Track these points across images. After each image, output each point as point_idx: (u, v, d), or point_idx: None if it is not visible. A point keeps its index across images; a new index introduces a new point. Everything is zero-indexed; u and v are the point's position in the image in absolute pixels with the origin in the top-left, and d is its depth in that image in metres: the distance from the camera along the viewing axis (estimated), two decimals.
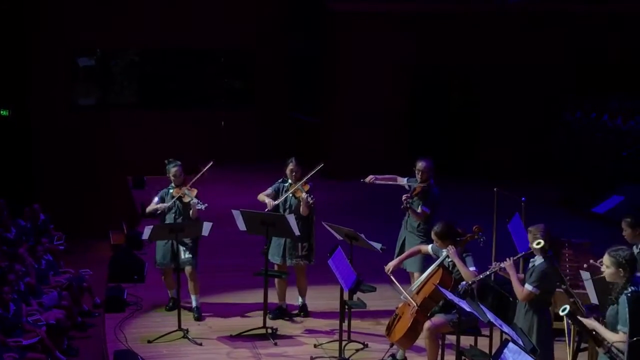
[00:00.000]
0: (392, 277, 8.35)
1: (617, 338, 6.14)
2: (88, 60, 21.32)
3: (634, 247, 7.91)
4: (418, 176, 9.49)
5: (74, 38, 20.03)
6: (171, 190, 9.90)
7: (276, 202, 9.69)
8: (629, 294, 6.17)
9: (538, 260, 7.36)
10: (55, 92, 20.17)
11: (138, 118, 20.38)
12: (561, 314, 6.13)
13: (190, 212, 9.72)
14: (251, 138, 20.80)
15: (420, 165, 9.50)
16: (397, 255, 9.08)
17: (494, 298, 7.99)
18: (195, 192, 9.81)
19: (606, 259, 6.37)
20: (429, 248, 8.36)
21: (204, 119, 20.65)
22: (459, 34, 18.59)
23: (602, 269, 6.46)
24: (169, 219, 9.86)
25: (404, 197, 9.42)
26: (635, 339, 5.93)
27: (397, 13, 18.57)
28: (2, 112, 20.45)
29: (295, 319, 9.98)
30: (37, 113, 20.11)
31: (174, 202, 9.82)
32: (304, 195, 9.57)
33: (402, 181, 9.71)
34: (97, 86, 21.49)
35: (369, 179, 9.79)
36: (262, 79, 21.08)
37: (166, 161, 10.06)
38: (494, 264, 7.59)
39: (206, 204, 9.61)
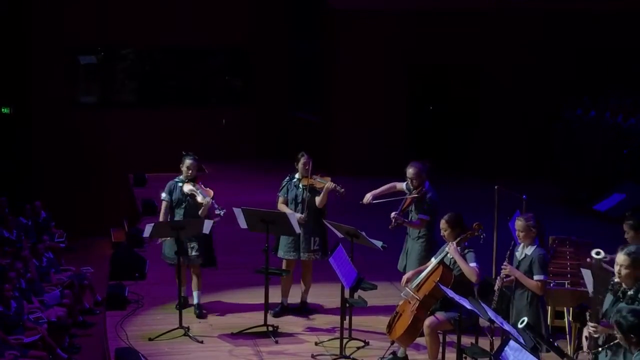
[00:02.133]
0: (408, 289, 8.25)
1: None
2: (89, 58, 21.34)
3: None
4: (410, 184, 9.11)
5: (75, 36, 20.06)
6: (179, 184, 9.85)
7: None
8: None
9: (529, 249, 7.42)
10: (56, 89, 20.20)
11: (139, 116, 20.40)
12: (519, 326, 6.03)
13: (200, 212, 9.69)
14: (251, 136, 20.82)
15: (409, 172, 9.06)
16: (403, 267, 9.04)
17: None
18: (211, 193, 9.74)
19: (624, 259, 6.11)
20: (432, 261, 8.31)
21: (205, 117, 20.67)
22: (459, 33, 18.59)
23: (616, 270, 6.16)
24: (179, 214, 9.80)
25: (392, 215, 8.98)
26: None
27: (397, 11, 18.56)
28: (3, 109, 20.48)
29: (296, 316, 9.98)
30: (39, 111, 20.14)
31: (186, 197, 9.79)
32: (331, 185, 9.53)
33: (402, 186, 9.30)
34: (98, 84, 21.52)
35: (367, 199, 9.30)
36: (262, 77, 21.09)
37: (183, 152, 10.03)
38: (497, 280, 7.58)
39: (224, 210, 9.52)
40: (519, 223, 7.48)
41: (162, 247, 10.06)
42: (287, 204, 9.77)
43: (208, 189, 9.82)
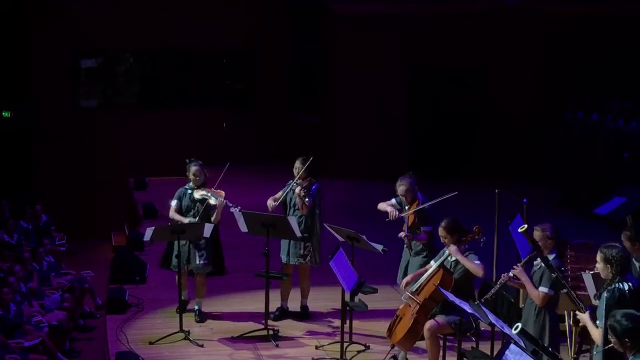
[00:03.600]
0: (408, 293, 8.25)
1: (597, 334, 6.16)
2: (90, 61, 21.34)
3: (633, 260, 7.88)
4: (404, 200, 9.06)
5: (76, 39, 20.04)
6: (189, 191, 9.82)
7: (279, 202, 9.71)
8: (610, 290, 6.29)
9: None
10: (56, 93, 20.18)
11: (139, 119, 20.38)
12: (513, 332, 6.05)
13: (213, 217, 9.66)
14: (252, 139, 20.80)
15: (401, 189, 9.00)
16: (401, 278, 8.96)
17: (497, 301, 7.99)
18: (223, 194, 9.74)
19: (598, 254, 6.57)
20: (432, 264, 8.31)
21: (206, 119, 20.66)
22: (459, 35, 18.59)
23: (596, 265, 6.62)
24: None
25: (403, 236, 8.97)
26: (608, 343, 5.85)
27: (397, 14, 18.57)
28: (3, 113, 20.47)
29: (296, 320, 9.97)
30: (39, 114, 20.11)
31: (195, 204, 9.76)
32: (297, 189, 9.57)
33: (392, 202, 9.23)
34: (99, 87, 21.52)
35: (395, 215, 9.02)
36: (263, 80, 21.08)
37: (187, 160, 10.02)
38: (502, 275, 7.51)
39: (239, 206, 9.53)
40: (536, 233, 7.39)
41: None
42: (283, 203, 9.76)
43: (219, 190, 9.82)
